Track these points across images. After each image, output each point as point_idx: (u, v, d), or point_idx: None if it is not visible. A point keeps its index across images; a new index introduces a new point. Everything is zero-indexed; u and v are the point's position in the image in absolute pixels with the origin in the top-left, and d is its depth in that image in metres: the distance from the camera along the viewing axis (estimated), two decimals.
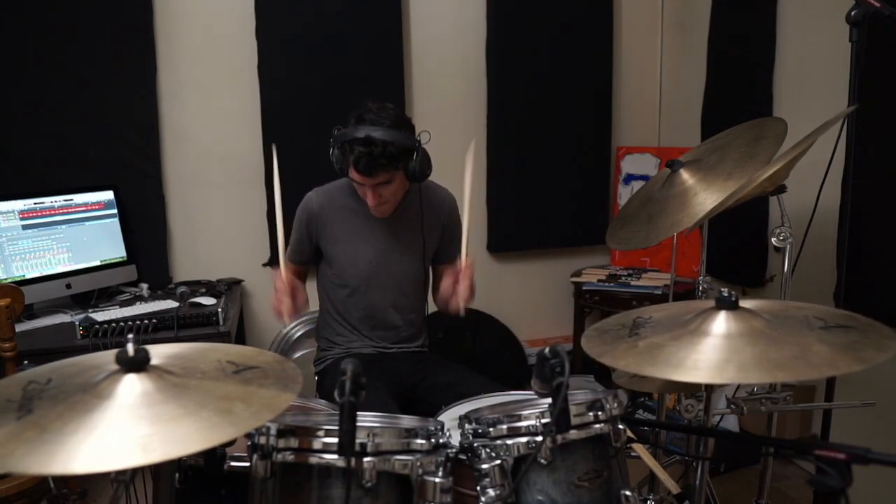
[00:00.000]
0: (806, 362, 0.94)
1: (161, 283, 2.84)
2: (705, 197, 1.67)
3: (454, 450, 1.17)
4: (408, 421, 1.20)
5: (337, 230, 1.95)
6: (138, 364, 0.90)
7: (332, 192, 1.97)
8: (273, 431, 1.06)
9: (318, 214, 1.95)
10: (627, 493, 1.16)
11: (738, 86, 2.90)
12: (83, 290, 2.60)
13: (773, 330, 1.03)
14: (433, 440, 1.12)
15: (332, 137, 1.78)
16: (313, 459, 1.05)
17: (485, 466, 1.11)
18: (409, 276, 2.00)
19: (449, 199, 2.05)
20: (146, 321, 2.25)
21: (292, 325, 3.07)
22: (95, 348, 2.05)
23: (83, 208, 2.62)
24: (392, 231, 1.95)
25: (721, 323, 1.05)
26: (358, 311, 1.99)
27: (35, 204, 2.50)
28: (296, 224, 1.98)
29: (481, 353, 3.23)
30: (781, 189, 1.67)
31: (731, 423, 2.61)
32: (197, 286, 2.73)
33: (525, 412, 1.15)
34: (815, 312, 1.10)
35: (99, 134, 2.76)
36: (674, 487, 1.71)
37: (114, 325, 2.21)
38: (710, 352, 1.00)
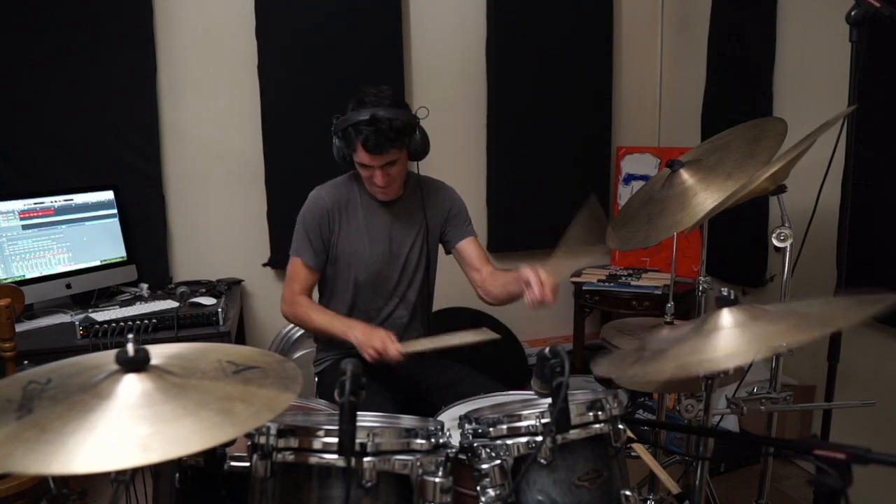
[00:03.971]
0: (807, 324, 1.08)
1: (161, 283, 2.84)
2: (705, 197, 1.67)
3: (454, 450, 1.17)
4: (408, 421, 1.20)
5: (350, 224, 1.94)
6: (138, 364, 0.90)
7: (337, 186, 1.96)
8: (273, 431, 1.06)
9: (332, 209, 1.91)
10: (627, 493, 1.16)
11: (738, 86, 2.90)
12: (83, 290, 2.60)
13: (773, 313, 1.14)
14: (433, 440, 1.12)
15: (333, 126, 1.77)
16: (313, 459, 1.05)
17: (485, 466, 1.10)
18: (413, 271, 1.99)
19: (445, 187, 2.05)
20: (146, 321, 2.25)
21: (292, 325, 3.07)
22: (95, 348, 2.05)
23: (83, 208, 2.62)
24: (395, 226, 1.95)
25: (726, 316, 1.14)
26: (359, 308, 1.98)
27: (35, 204, 2.50)
28: (309, 226, 1.90)
29: (481, 353, 3.21)
30: (781, 189, 1.66)
31: (731, 423, 2.61)
32: (197, 286, 2.73)
33: (525, 412, 1.15)
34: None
35: (99, 134, 2.76)
36: (674, 487, 1.71)
37: (114, 325, 2.21)
38: (720, 341, 1.10)
